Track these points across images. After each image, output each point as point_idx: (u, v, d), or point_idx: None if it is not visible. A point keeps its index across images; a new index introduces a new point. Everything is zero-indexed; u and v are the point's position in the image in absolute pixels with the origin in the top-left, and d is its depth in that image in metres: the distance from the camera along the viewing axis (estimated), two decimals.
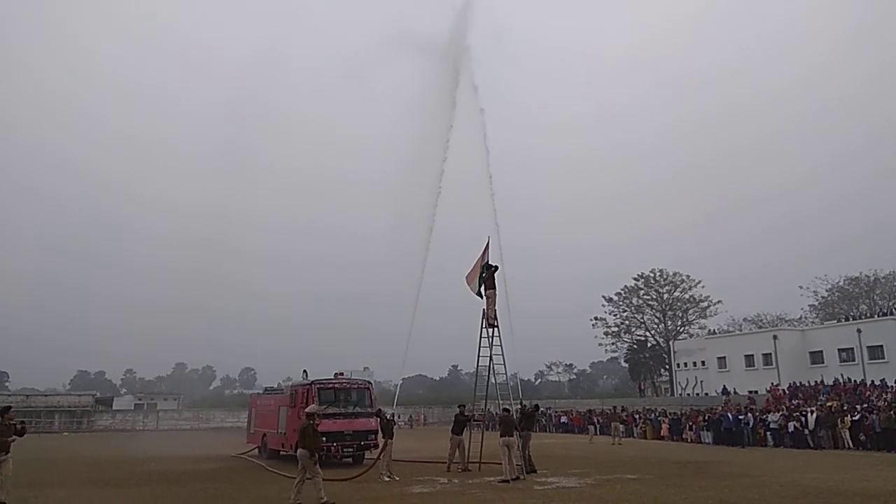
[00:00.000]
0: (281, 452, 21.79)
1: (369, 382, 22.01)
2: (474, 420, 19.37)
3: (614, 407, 39.79)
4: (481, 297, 18.50)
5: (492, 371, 18.03)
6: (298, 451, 12.38)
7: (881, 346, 42.04)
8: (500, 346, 18.16)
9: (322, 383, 20.29)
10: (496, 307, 18.43)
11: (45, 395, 56.68)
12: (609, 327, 69.64)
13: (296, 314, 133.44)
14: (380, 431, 18.61)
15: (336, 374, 21.62)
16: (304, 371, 22.07)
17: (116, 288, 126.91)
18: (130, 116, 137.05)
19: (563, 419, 44.32)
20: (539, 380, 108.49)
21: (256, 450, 23.82)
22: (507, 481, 14.93)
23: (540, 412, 41.77)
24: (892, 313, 48.01)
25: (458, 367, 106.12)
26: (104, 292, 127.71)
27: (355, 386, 21.06)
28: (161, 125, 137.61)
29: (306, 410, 13.95)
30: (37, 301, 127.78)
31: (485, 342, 18.19)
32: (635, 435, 35.29)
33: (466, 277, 19.40)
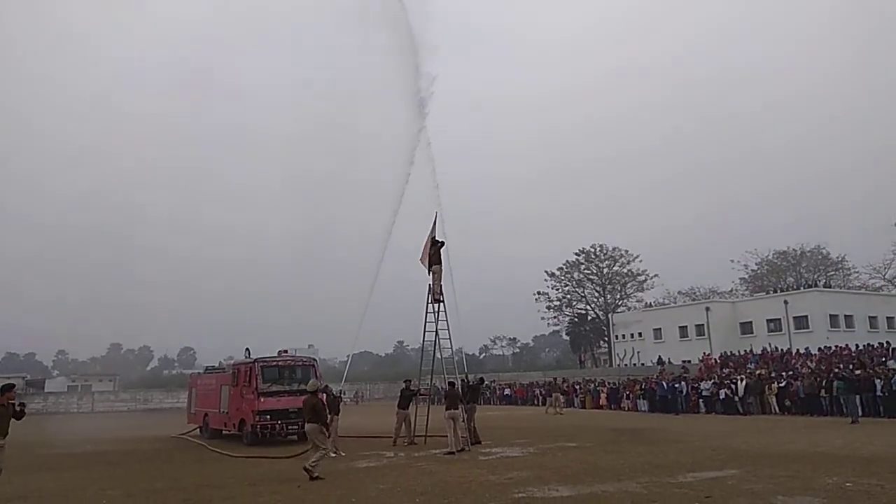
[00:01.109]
0: (223, 432, 21.50)
1: (314, 359, 21.90)
2: (420, 394, 19.54)
3: (555, 378, 40.74)
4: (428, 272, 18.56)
5: (437, 346, 18.19)
6: (307, 426, 12.39)
7: (806, 317, 44.35)
8: (446, 321, 18.31)
9: (265, 361, 20.05)
10: (441, 282, 18.53)
11: None
12: (551, 301, 71.13)
13: (238, 289, 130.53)
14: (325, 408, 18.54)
15: (280, 351, 21.40)
16: (247, 349, 21.74)
17: (45, 261, 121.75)
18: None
19: (507, 392, 45.16)
20: (484, 354, 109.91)
21: (198, 430, 23.43)
22: (452, 453, 15.17)
23: (484, 385, 42.43)
24: (816, 285, 50.58)
25: (404, 343, 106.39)
26: (31, 266, 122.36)
27: (300, 363, 20.89)
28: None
29: (307, 387, 13.70)
30: None
31: (430, 317, 18.31)
32: (576, 405, 36.29)
33: (420, 258, 19.31)
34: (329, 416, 16.73)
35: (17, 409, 10.73)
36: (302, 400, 19.37)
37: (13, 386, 10.85)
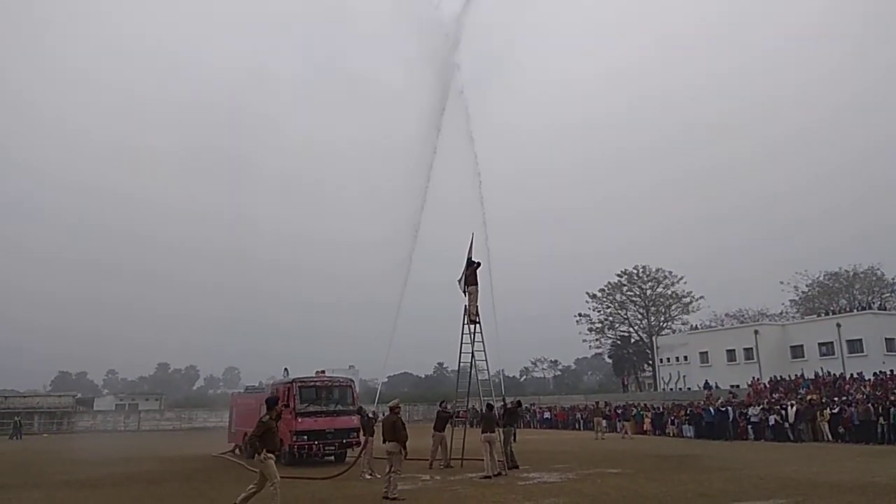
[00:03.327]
0: None
1: (351, 380, 21.89)
2: (456, 417, 19.35)
3: (597, 402, 39.89)
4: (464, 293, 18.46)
5: (473, 367, 18.01)
6: (387, 444, 12.35)
7: (860, 340, 42.58)
8: (482, 342, 18.15)
9: (303, 381, 20.12)
10: (478, 303, 18.40)
11: (24, 396, 55.90)
12: (593, 323, 69.97)
13: (284, 319, 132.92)
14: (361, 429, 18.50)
15: (317, 371, 21.47)
16: (286, 369, 21.93)
17: (95, 291, 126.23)
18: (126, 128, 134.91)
19: (547, 415, 44.43)
20: (524, 376, 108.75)
21: (235, 448, 23.61)
22: (488, 477, 14.92)
23: (522, 408, 41.83)
24: (870, 308, 48.64)
25: (444, 365, 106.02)
26: (82, 295, 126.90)
27: (337, 384, 20.90)
28: (152, 133, 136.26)
29: (389, 405, 13.72)
30: (17, 307, 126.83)
31: (466, 338, 18.17)
32: (618, 430, 35.42)
33: (459, 280, 19.23)
34: (364, 438, 16.75)
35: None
36: (339, 421, 19.72)
37: (277, 400, 11.39)
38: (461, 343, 18.20)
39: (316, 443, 19.05)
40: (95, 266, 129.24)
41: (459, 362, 18.51)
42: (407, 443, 13.10)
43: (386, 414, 13.36)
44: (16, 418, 42.61)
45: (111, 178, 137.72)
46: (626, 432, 31.38)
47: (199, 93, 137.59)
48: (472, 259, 18.70)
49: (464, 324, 18.26)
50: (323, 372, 21.76)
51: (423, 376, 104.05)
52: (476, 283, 18.47)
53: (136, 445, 32.03)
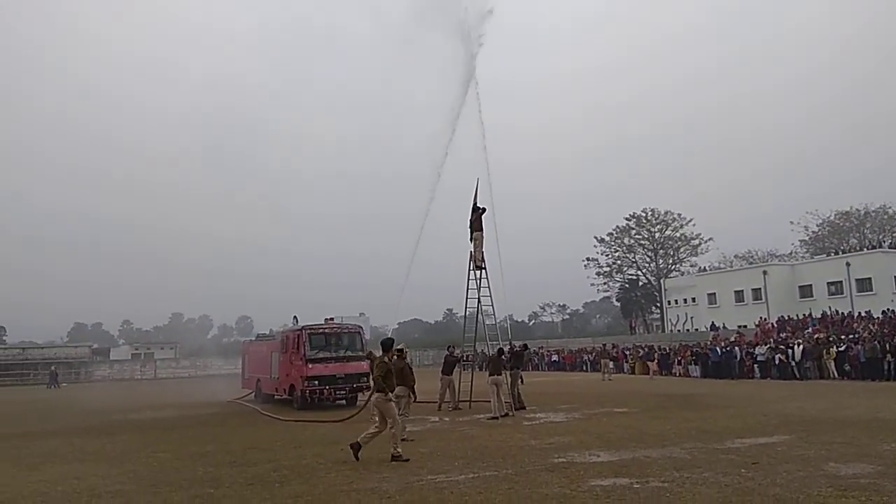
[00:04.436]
0: (275, 397, 22.06)
1: (359, 326, 22.12)
2: (465, 361, 19.60)
3: (604, 345, 40.28)
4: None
5: (480, 312, 18.12)
6: (396, 388, 12.50)
7: (869, 279, 42.45)
8: (489, 287, 18.20)
9: (312, 328, 20.35)
10: (483, 249, 18.37)
11: (42, 348, 57.01)
12: (601, 267, 70.04)
13: (297, 267, 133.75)
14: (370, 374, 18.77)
15: (326, 319, 21.70)
16: (294, 317, 22.13)
17: (109, 243, 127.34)
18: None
19: (555, 358, 44.97)
20: (533, 321, 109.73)
21: (252, 395, 24.12)
22: (496, 418, 15.17)
23: (528, 351, 42.33)
24: (881, 246, 48.31)
25: (454, 311, 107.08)
26: (97, 244, 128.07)
27: (346, 330, 21.15)
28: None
29: (394, 350, 13.87)
30: (32, 258, 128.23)
31: (473, 284, 18.23)
32: (626, 371, 35.89)
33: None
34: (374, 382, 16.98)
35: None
36: (349, 366, 20.02)
37: (393, 342, 11.39)
38: (467, 289, 18.28)
39: (327, 388, 19.41)
40: (108, 218, 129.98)
41: (466, 308, 18.65)
42: (415, 386, 13.30)
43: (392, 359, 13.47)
44: (52, 368, 44.06)
45: (124, 129, 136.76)
46: (653, 373, 31.46)
47: None
48: (478, 205, 18.58)
49: (469, 270, 18.29)
50: (332, 319, 21.98)
51: (433, 322, 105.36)
52: (481, 229, 18.38)
53: (153, 393, 32.77)
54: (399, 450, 9.95)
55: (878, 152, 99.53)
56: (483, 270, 18.14)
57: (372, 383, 17.00)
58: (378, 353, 11.29)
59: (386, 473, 8.85)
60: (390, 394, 10.36)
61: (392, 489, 7.78)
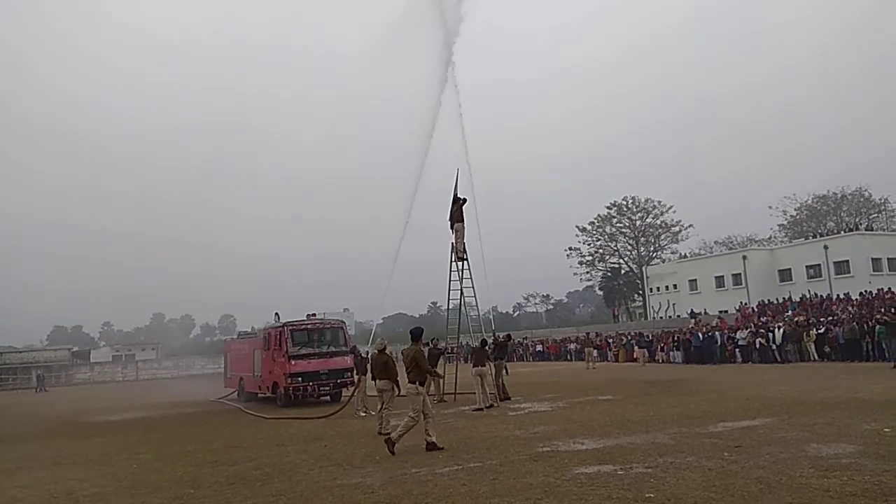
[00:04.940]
0: (259, 395, 21.87)
1: (342, 322, 21.99)
2: (449, 353, 19.55)
3: (588, 333, 40.49)
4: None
5: (462, 304, 18.06)
6: (378, 382, 12.44)
7: (847, 261, 43.05)
8: (471, 278, 18.16)
9: (294, 325, 20.18)
10: (465, 240, 18.29)
11: (20, 352, 56.15)
12: (583, 256, 70.43)
13: (281, 267, 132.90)
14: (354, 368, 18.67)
15: (308, 315, 21.52)
16: (276, 314, 21.93)
17: (92, 240, 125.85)
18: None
19: (539, 348, 45.14)
20: (517, 312, 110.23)
21: (235, 394, 23.91)
22: (480, 409, 15.16)
23: (512, 342, 42.41)
24: (857, 228, 48.99)
25: (437, 304, 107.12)
26: (76, 247, 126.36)
27: (328, 326, 20.99)
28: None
29: (375, 346, 13.70)
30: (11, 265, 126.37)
31: (455, 276, 18.16)
32: (609, 359, 36.09)
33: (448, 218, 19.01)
34: (357, 377, 16.90)
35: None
36: (333, 362, 19.89)
37: (422, 331, 11.28)
38: (449, 280, 18.21)
39: (311, 384, 19.27)
40: (86, 221, 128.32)
41: (448, 299, 18.59)
42: (398, 380, 13.21)
43: (374, 354, 13.40)
44: (38, 372, 43.52)
45: (102, 140, 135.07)
46: (643, 360, 31.25)
47: None
48: (458, 195, 18.48)
49: (451, 261, 18.22)
50: (314, 315, 21.81)
51: (418, 316, 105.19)
52: (462, 220, 18.28)
53: (134, 394, 32.39)
54: (433, 437, 9.90)
55: (873, 144, 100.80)
56: (465, 261, 18.08)
57: (356, 377, 17.01)
58: (364, 348, 11.21)
59: (369, 468, 8.77)
60: (420, 386, 10.30)
61: (376, 484, 7.70)
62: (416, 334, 10.87)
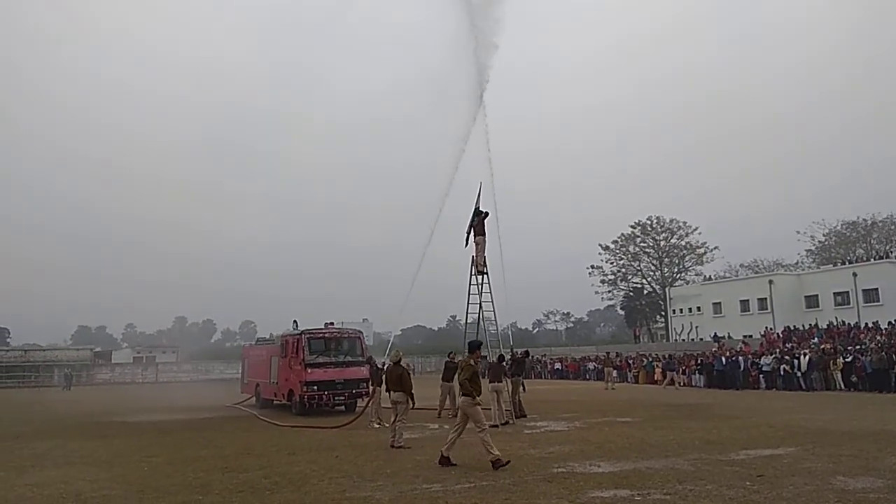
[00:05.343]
0: (274, 402, 21.83)
1: (360, 331, 21.87)
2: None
3: (608, 353, 39.96)
4: (468, 243, 18.23)
5: (481, 318, 17.91)
6: (392, 394, 12.40)
7: (876, 290, 42.01)
8: (490, 292, 18.01)
9: (312, 333, 20.13)
10: (485, 254, 18.18)
11: (44, 350, 56.94)
12: (606, 275, 69.78)
13: (303, 270, 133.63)
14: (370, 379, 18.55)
15: (326, 323, 21.49)
16: (294, 321, 21.89)
17: (117, 243, 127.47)
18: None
19: (558, 366, 44.66)
20: (537, 328, 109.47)
21: (253, 399, 23.90)
22: (496, 426, 14.91)
23: (531, 358, 42.02)
24: (888, 256, 47.91)
25: (457, 318, 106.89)
26: (104, 246, 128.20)
27: (346, 335, 20.91)
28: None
29: (390, 358, 13.54)
30: (37, 259, 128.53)
31: (474, 290, 18.03)
32: (629, 380, 35.56)
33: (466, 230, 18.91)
34: (372, 388, 16.79)
35: None
36: (349, 371, 19.80)
37: (480, 344, 11.00)
38: (468, 294, 18.10)
39: (326, 393, 19.18)
40: (117, 218, 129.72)
41: (467, 313, 18.46)
42: (413, 392, 13.07)
43: (389, 366, 13.28)
44: (66, 370, 44.01)
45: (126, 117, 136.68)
46: (671, 382, 30.25)
47: None
48: (480, 209, 18.40)
49: (471, 275, 18.10)
50: (332, 323, 21.77)
51: (437, 329, 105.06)
52: (483, 234, 18.22)
53: (153, 397, 32.57)
54: (495, 452, 9.40)
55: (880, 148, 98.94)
56: (485, 275, 17.95)
57: (371, 388, 16.89)
58: (380, 360, 11.09)
59: (380, 482, 8.62)
60: (478, 398, 9.85)
61: (385, 499, 7.56)
62: (474, 346, 10.63)
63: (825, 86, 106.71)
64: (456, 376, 18.38)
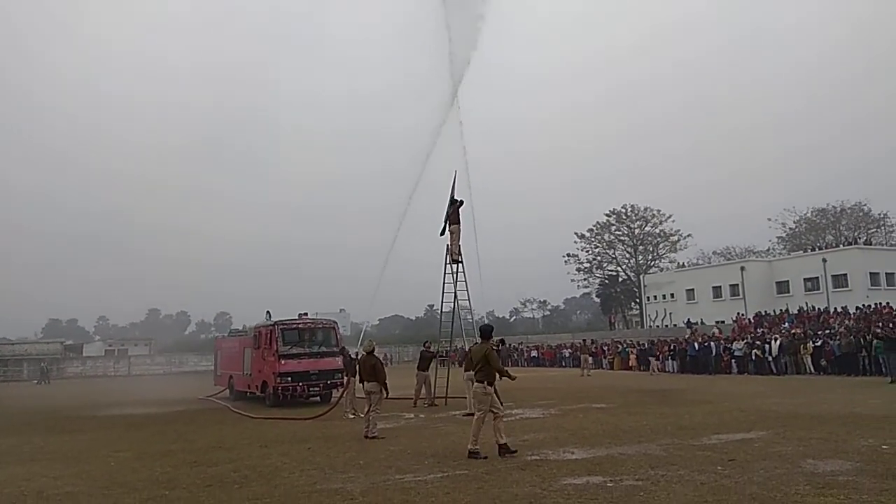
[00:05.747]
0: (248, 394, 21.57)
1: (334, 322, 21.69)
2: (440, 356, 19.29)
3: (584, 340, 40.24)
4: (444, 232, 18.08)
5: (457, 307, 17.83)
6: (366, 384, 12.26)
7: (845, 275, 42.84)
8: (465, 281, 17.92)
9: (286, 324, 19.91)
10: (460, 242, 18.06)
11: (13, 344, 55.79)
12: (581, 263, 70.16)
13: (277, 263, 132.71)
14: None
15: (300, 314, 21.24)
16: (268, 312, 21.64)
17: (88, 235, 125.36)
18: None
19: (534, 354, 44.87)
20: (514, 317, 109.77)
21: (227, 391, 23.61)
22: (471, 414, 14.82)
23: (507, 347, 42.13)
24: (856, 242, 48.81)
25: (434, 307, 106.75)
26: (74, 240, 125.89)
27: (320, 326, 20.72)
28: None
29: (364, 348, 13.33)
30: (3, 253, 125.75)
31: (449, 278, 17.92)
32: (604, 366, 35.84)
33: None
34: (346, 378, 16.64)
35: None
36: (323, 362, 19.62)
37: (492, 328, 10.56)
38: (443, 283, 17.98)
39: (300, 384, 19.00)
40: (87, 213, 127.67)
41: (442, 302, 18.34)
42: (387, 382, 12.96)
43: (362, 355, 13.16)
44: (42, 364, 43.22)
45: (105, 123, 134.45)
46: (654, 370, 30.14)
47: None
48: (455, 197, 18.26)
49: (446, 263, 17.99)
50: (305, 314, 21.54)
51: (414, 318, 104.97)
52: (458, 222, 18.07)
53: (124, 390, 32.06)
54: (504, 439, 9.47)
55: (868, 148, 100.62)
56: (460, 264, 17.85)
57: (345, 378, 16.74)
58: (353, 350, 10.94)
59: (352, 473, 8.50)
60: (489, 386, 9.71)
61: (356, 490, 7.44)
62: (487, 332, 10.40)
63: (826, 86, 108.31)
64: (432, 365, 18.45)
